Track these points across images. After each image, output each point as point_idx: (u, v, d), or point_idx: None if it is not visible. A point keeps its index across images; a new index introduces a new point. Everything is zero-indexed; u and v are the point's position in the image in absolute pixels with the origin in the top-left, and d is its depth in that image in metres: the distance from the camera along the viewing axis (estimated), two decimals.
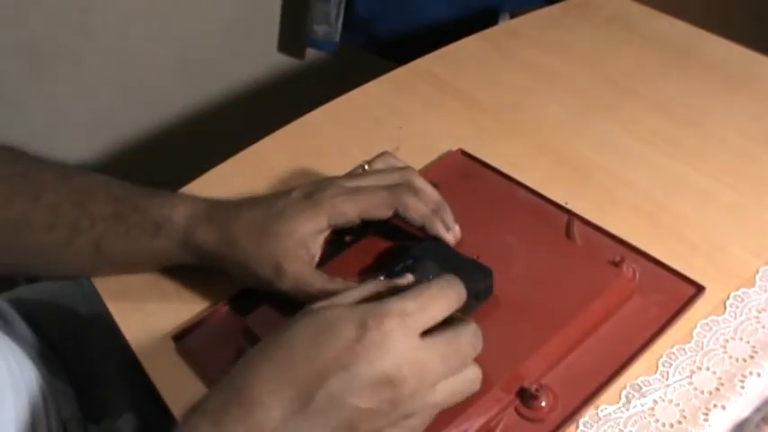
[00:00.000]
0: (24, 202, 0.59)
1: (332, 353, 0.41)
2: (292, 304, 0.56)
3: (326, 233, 0.58)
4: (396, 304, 0.43)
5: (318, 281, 0.55)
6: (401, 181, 0.58)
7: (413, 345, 0.42)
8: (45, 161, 0.63)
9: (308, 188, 0.58)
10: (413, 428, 0.44)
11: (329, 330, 0.42)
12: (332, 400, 0.41)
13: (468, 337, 0.45)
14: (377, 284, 0.47)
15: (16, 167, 0.61)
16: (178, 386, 0.56)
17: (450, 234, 0.58)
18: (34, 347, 0.66)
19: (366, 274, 0.58)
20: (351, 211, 0.56)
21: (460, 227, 0.59)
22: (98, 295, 0.64)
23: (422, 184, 0.59)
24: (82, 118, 1.33)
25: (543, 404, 0.50)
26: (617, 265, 0.58)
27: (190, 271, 0.62)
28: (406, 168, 0.61)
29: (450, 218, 0.58)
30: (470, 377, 0.45)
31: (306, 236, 0.56)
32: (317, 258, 0.58)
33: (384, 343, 0.41)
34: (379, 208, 0.57)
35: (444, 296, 0.45)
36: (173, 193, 0.63)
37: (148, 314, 0.62)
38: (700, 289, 0.56)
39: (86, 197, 0.60)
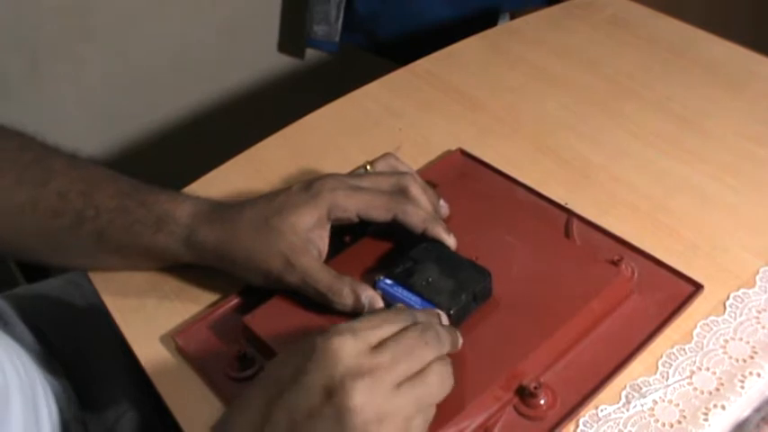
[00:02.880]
0: (32, 187, 0.60)
1: (287, 375, 0.43)
2: (292, 302, 0.57)
3: (328, 227, 0.58)
4: (345, 324, 0.45)
5: (326, 277, 0.55)
6: (399, 185, 0.59)
7: (359, 352, 0.43)
8: (55, 149, 0.63)
9: (307, 182, 0.58)
10: None
11: (287, 358, 0.45)
12: (289, 412, 0.42)
13: (417, 333, 0.46)
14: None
15: (26, 153, 0.62)
16: (178, 386, 0.56)
17: (452, 238, 0.58)
18: (33, 347, 0.66)
19: (365, 274, 0.58)
20: (350, 206, 0.56)
21: (460, 226, 0.59)
22: (98, 295, 0.64)
23: (418, 192, 0.59)
24: (82, 118, 1.33)
25: (542, 402, 0.50)
26: (615, 263, 0.58)
27: (190, 271, 0.62)
28: (406, 173, 0.61)
29: (444, 226, 0.58)
30: (437, 371, 0.45)
31: (308, 228, 0.56)
32: (324, 254, 0.58)
33: (331, 355, 0.43)
34: (378, 210, 0.57)
35: (395, 318, 0.47)
36: (178, 191, 0.64)
37: (148, 314, 0.62)
38: (698, 287, 0.57)
39: (94, 187, 0.61)
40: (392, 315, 0.47)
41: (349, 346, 0.43)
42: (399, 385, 0.43)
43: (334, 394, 0.42)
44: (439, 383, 0.45)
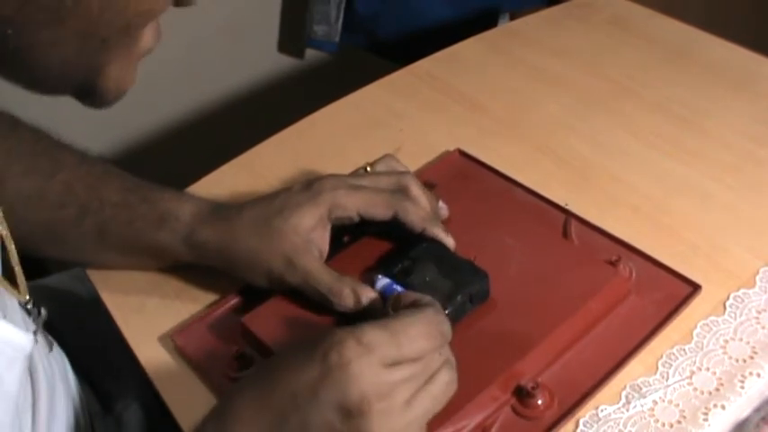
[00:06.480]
0: (40, 177, 0.61)
1: (304, 380, 0.43)
2: (291, 302, 0.57)
3: (329, 227, 0.58)
4: (367, 334, 0.43)
5: (327, 278, 0.54)
6: (400, 185, 0.59)
7: (376, 371, 0.43)
8: (66, 144, 0.64)
9: (308, 182, 0.58)
10: None
11: (305, 357, 0.44)
12: (305, 426, 0.42)
13: (436, 349, 0.45)
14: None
15: (38, 145, 0.63)
16: (177, 385, 0.57)
17: (450, 239, 0.57)
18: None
19: (365, 274, 0.58)
20: (350, 204, 0.57)
21: (458, 226, 0.59)
22: (98, 295, 0.64)
23: (418, 191, 0.59)
24: (82, 118, 1.32)
25: (539, 402, 0.50)
26: (613, 264, 0.58)
27: (190, 271, 0.62)
28: (406, 173, 0.61)
29: (443, 227, 0.58)
30: (444, 381, 0.45)
31: (309, 228, 0.56)
32: (324, 254, 0.58)
33: (349, 378, 0.42)
34: (378, 207, 0.57)
35: (423, 336, 0.45)
36: (182, 191, 0.64)
37: (148, 313, 0.62)
38: (696, 288, 0.57)
39: (100, 181, 0.61)
40: (416, 329, 0.45)
41: (366, 369, 0.42)
42: (410, 400, 0.44)
43: (352, 416, 0.42)
44: (445, 392, 0.45)
